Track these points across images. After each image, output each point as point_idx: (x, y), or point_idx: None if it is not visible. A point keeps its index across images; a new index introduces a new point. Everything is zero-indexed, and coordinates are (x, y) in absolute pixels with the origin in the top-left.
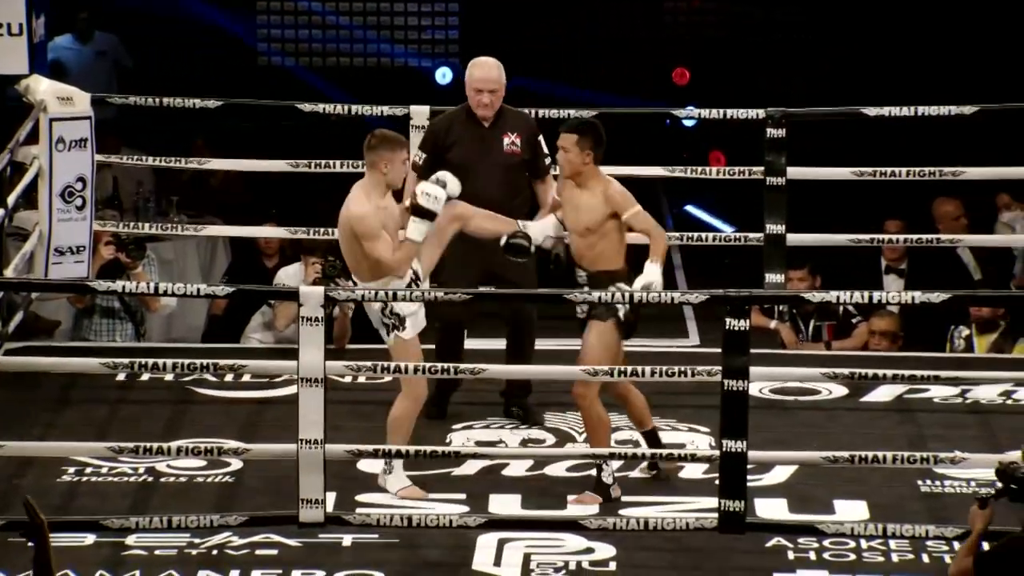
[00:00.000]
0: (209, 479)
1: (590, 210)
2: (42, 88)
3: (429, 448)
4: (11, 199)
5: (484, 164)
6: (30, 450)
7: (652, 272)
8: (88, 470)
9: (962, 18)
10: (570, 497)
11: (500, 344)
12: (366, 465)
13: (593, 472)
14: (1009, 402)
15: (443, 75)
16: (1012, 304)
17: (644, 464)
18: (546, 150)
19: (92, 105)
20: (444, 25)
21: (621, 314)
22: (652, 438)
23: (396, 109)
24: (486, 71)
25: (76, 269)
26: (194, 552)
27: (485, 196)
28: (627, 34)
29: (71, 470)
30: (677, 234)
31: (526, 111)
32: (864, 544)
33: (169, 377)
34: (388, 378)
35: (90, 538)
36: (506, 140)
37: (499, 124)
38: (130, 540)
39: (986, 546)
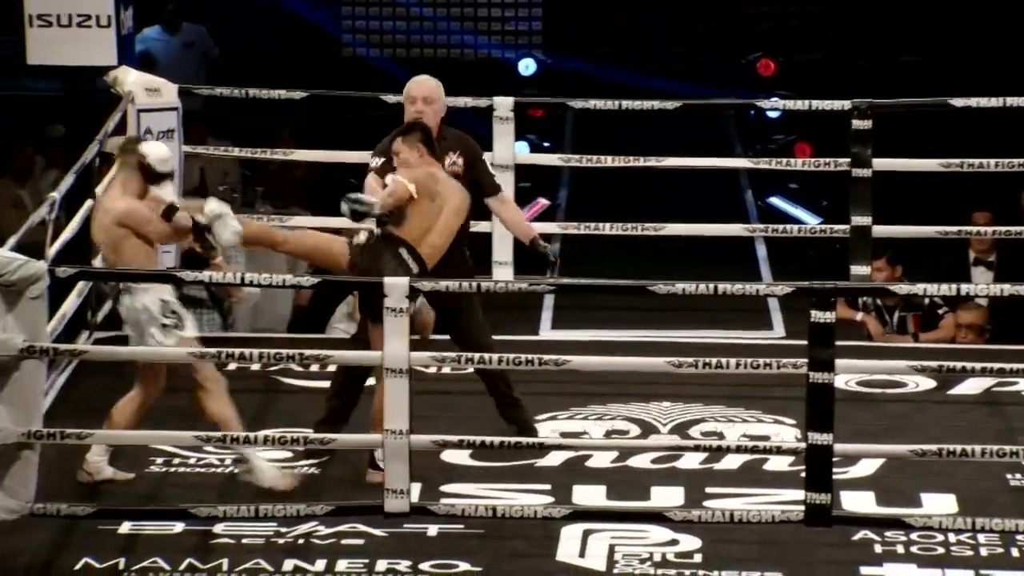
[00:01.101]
0: (295, 469)
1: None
2: (130, 79)
3: (513, 439)
4: (99, 189)
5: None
6: (119, 439)
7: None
8: (176, 460)
9: None
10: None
11: (582, 335)
12: (451, 455)
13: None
14: None
15: (526, 66)
16: None
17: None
18: (491, 170)
19: (179, 96)
20: (527, 16)
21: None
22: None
23: (479, 100)
24: (422, 83)
25: (164, 259)
26: (281, 541)
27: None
28: (712, 23)
29: (159, 460)
30: (762, 226)
31: (463, 133)
32: (952, 538)
33: (255, 367)
34: (472, 369)
35: (179, 526)
36: (447, 160)
37: (440, 145)
38: (218, 528)
39: None
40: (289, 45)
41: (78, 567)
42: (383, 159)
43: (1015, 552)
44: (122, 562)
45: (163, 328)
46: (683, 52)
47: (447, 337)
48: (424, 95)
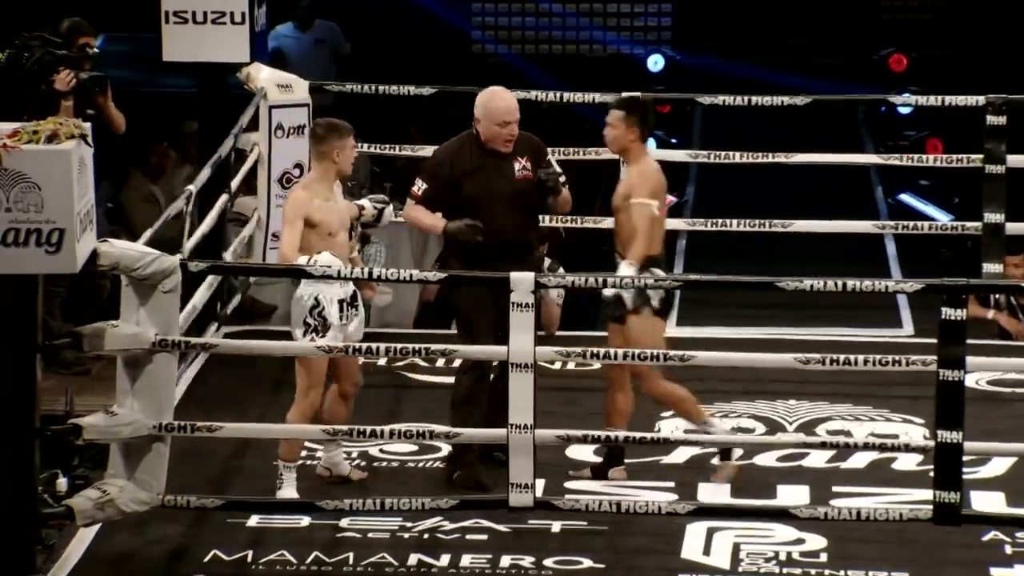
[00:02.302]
0: (421, 463)
1: (618, 190)
2: (262, 76)
3: (638, 434)
4: (233, 185)
5: (498, 194)
6: (248, 432)
7: (624, 270)
8: (303, 453)
9: None
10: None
11: (708, 331)
12: (575, 451)
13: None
14: None
15: (655, 62)
16: None
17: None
18: (557, 168)
19: (310, 92)
20: (657, 12)
21: (655, 302)
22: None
23: (608, 96)
24: (510, 102)
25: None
26: (406, 535)
27: (502, 226)
28: (842, 19)
29: None
30: (892, 223)
31: (529, 133)
32: None
33: (382, 362)
34: (597, 365)
35: (305, 520)
36: (517, 166)
37: (513, 151)
38: (344, 523)
39: None
40: (419, 41)
41: (207, 559)
42: (426, 186)
43: None
44: (250, 555)
45: (304, 325)
46: (813, 48)
47: (573, 333)
48: (517, 118)
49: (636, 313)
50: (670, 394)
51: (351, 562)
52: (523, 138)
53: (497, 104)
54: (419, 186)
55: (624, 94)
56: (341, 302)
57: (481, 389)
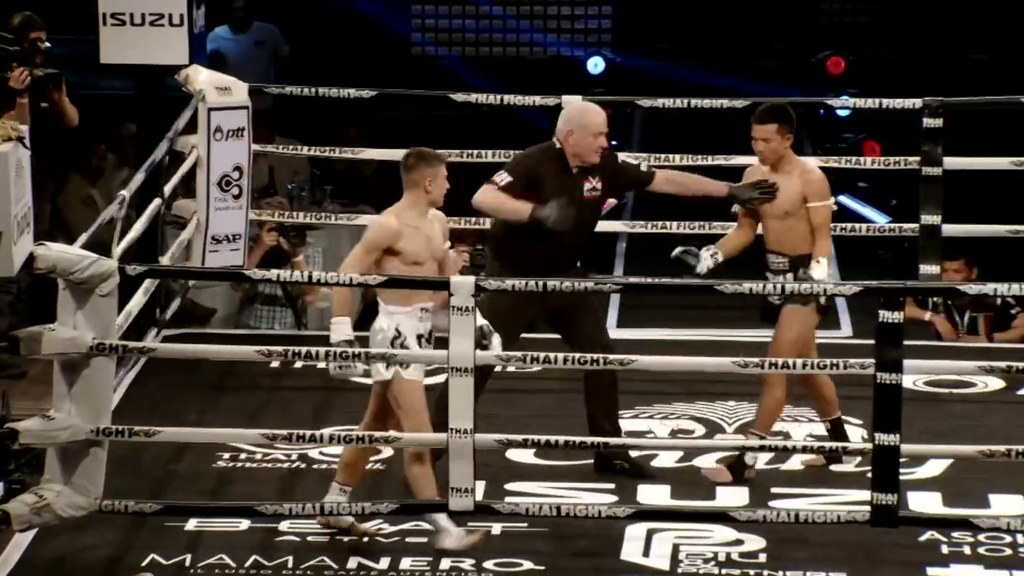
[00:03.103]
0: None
1: (788, 192)
2: (201, 78)
3: (578, 438)
4: (169, 187)
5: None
6: (186, 436)
7: (818, 270)
8: (242, 456)
9: None
10: (704, 468)
11: (648, 334)
12: (515, 454)
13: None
14: None
15: (595, 64)
16: None
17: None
18: (631, 160)
19: (249, 95)
20: (597, 15)
21: (822, 299)
22: (837, 428)
23: (548, 99)
24: (603, 115)
25: (232, 257)
26: (345, 539)
27: (563, 246)
28: (781, 22)
29: (226, 456)
30: (831, 224)
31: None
32: (1021, 539)
33: (322, 365)
34: (536, 368)
35: (244, 523)
36: (587, 186)
37: (581, 168)
38: (283, 526)
39: None
40: (359, 43)
41: (145, 563)
42: (512, 180)
43: None
44: (188, 559)
45: (385, 360)
46: (752, 51)
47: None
48: (608, 131)
49: (800, 306)
50: (826, 385)
51: (290, 565)
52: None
53: (593, 118)
54: (503, 178)
55: (765, 103)
56: (419, 337)
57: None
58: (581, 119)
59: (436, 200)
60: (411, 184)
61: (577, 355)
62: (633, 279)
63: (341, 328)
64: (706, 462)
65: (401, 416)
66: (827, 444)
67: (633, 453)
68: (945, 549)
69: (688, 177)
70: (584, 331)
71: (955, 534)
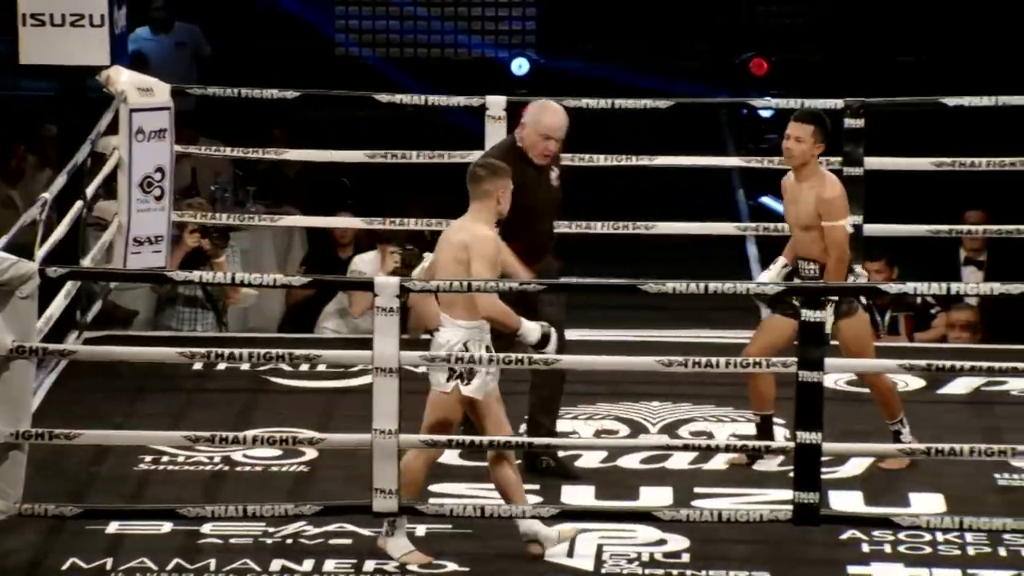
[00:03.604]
0: (284, 469)
1: (806, 206)
2: (122, 79)
3: (503, 439)
4: (91, 189)
5: (542, 204)
6: (107, 439)
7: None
8: (164, 459)
9: None
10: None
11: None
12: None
13: (664, 464)
14: None
15: (519, 66)
16: None
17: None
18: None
19: (172, 96)
20: (521, 16)
21: (864, 302)
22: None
23: (472, 100)
24: (560, 119)
25: (154, 259)
26: (269, 541)
27: (541, 237)
28: (706, 23)
29: (147, 459)
30: (754, 225)
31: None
32: (940, 537)
33: (245, 367)
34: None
35: (166, 526)
36: (552, 175)
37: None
38: (206, 528)
39: None
40: (282, 44)
41: (65, 567)
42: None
43: (1002, 551)
44: (109, 562)
45: (448, 371)
46: (678, 51)
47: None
48: (561, 137)
49: (849, 315)
50: (888, 386)
51: (213, 568)
52: None
53: (548, 120)
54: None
55: (806, 104)
56: (486, 348)
57: None
58: (536, 117)
59: (504, 212)
60: (483, 195)
61: (503, 355)
62: (557, 280)
63: (531, 329)
64: (630, 463)
65: (488, 425)
66: (750, 443)
67: (559, 454)
68: (866, 547)
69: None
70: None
71: (876, 532)
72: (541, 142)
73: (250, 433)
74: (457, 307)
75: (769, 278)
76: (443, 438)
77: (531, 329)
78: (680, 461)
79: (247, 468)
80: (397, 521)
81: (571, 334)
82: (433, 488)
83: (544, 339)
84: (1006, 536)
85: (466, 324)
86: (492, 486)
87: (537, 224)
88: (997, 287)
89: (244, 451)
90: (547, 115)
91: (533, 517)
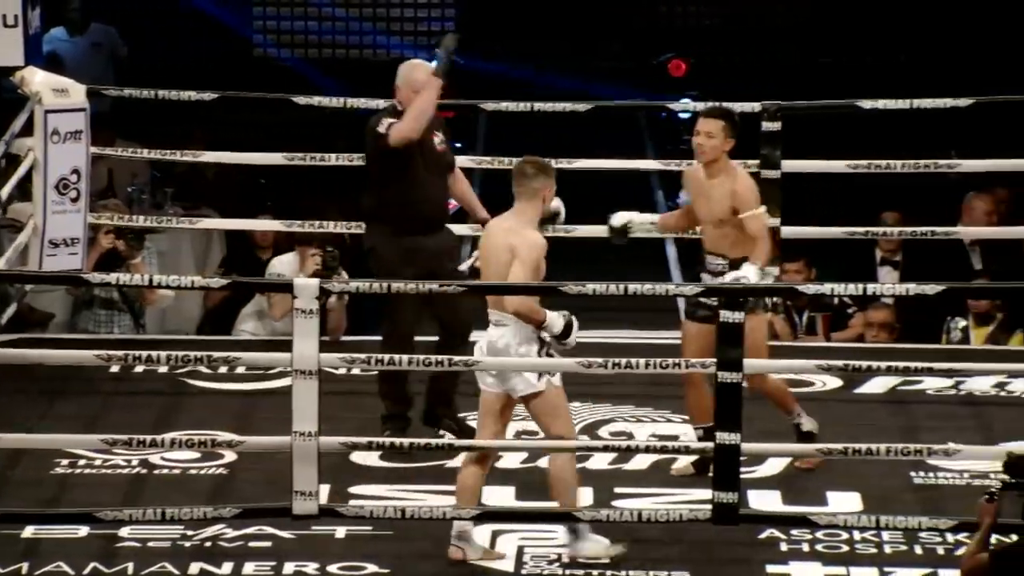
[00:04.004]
0: (203, 471)
1: (720, 202)
2: (37, 80)
3: (423, 440)
4: (5, 191)
5: (428, 167)
6: (23, 442)
7: (749, 269)
8: (81, 462)
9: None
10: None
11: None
12: (360, 457)
13: (585, 464)
14: (1003, 394)
15: None
16: (1006, 296)
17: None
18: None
19: (88, 97)
20: (440, 16)
21: (768, 301)
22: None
23: (392, 101)
24: (427, 73)
25: (70, 261)
26: (187, 544)
27: (430, 202)
28: (624, 24)
29: (64, 462)
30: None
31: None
32: (857, 536)
33: (163, 369)
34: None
35: (83, 530)
36: (436, 140)
37: (428, 126)
38: (123, 532)
39: (994, 540)
40: (199, 46)
41: None
42: None
43: (918, 550)
44: (25, 567)
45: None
46: (596, 52)
47: (357, 338)
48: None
49: (753, 312)
50: (779, 388)
51: (131, 572)
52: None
53: (417, 75)
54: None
55: (713, 103)
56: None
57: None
58: (408, 76)
59: (547, 212)
60: (532, 194)
61: (422, 357)
62: (476, 281)
63: (555, 320)
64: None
65: (550, 423)
66: (669, 444)
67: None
68: (784, 547)
69: (463, 184)
70: (450, 303)
71: (794, 532)
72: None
73: (168, 436)
74: (516, 307)
75: (621, 221)
76: (363, 440)
77: (555, 320)
78: (600, 462)
79: (165, 471)
80: (579, 527)
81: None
82: (353, 490)
83: (567, 328)
84: (922, 534)
85: (511, 327)
86: (414, 487)
87: (422, 189)
88: (912, 287)
89: (162, 454)
90: (418, 71)
91: (454, 519)
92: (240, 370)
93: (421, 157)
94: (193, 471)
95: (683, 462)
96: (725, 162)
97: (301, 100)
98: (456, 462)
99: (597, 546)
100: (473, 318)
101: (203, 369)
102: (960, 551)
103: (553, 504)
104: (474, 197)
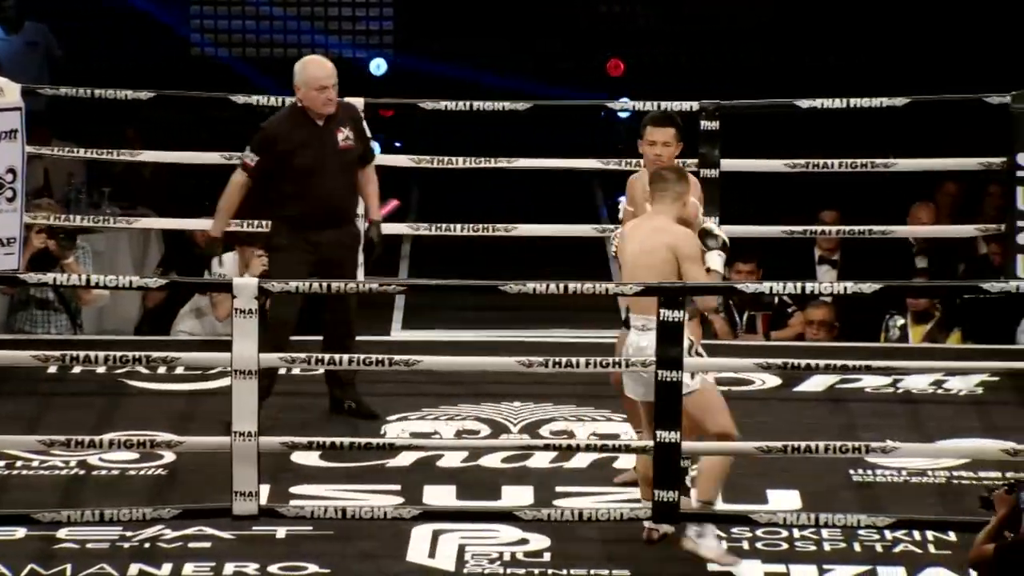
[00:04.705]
0: (142, 472)
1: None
2: None
3: (363, 440)
4: None
5: (327, 165)
6: None
7: (714, 260)
8: (19, 463)
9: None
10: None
11: (432, 335)
12: (300, 457)
13: (526, 463)
14: (939, 392)
15: (377, 66)
16: (942, 295)
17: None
18: (369, 134)
19: (23, 96)
20: (379, 16)
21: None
22: None
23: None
24: (326, 67)
25: (6, 261)
26: (126, 545)
27: (332, 197)
28: (562, 24)
29: (1, 463)
30: (612, 226)
31: (348, 100)
32: (796, 533)
33: (101, 370)
34: (321, 370)
35: (21, 532)
36: (340, 135)
37: (332, 120)
38: (62, 533)
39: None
40: (136, 44)
41: None
42: (259, 158)
43: (857, 547)
44: None
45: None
46: (534, 53)
47: (298, 338)
48: (335, 82)
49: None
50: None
51: (69, 573)
52: (346, 107)
53: (313, 72)
54: (251, 158)
55: (663, 107)
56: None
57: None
58: (303, 75)
59: (686, 216)
60: (675, 197)
61: (362, 356)
62: (417, 280)
63: (715, 258)
64: (492, 462)
65: (709, 420)
66: (610, 443)
67: (421, 455)
68: (725, 545)
69: (370, 185)
70: (341, 303)
71: (734, 529)
72: (319, 94)
73: (107, 436)
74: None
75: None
76: (303, 440)
77: (715, 258)
78: (541, 460)
79: (104, 472)
80: (705, 524)
81: (432, 335)
82: (293, 490)
83: (724, 246)
84: (860, 532)
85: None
86: (355, 487)
87: (323, 185)
88: (850, 286)
89: (101, 455)
90: (312, 67)
91: (395, 519)
92: (179, 370)
93: (319, 152)
94: (132, 472)
95: (627, 476)
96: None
97: (239, 99)
98: (397, 462)
99: (717, 550)
100: (357, 318)
101: (141, 369)
102: (898, 548)
103: (494, 504)
104: (373, 197)
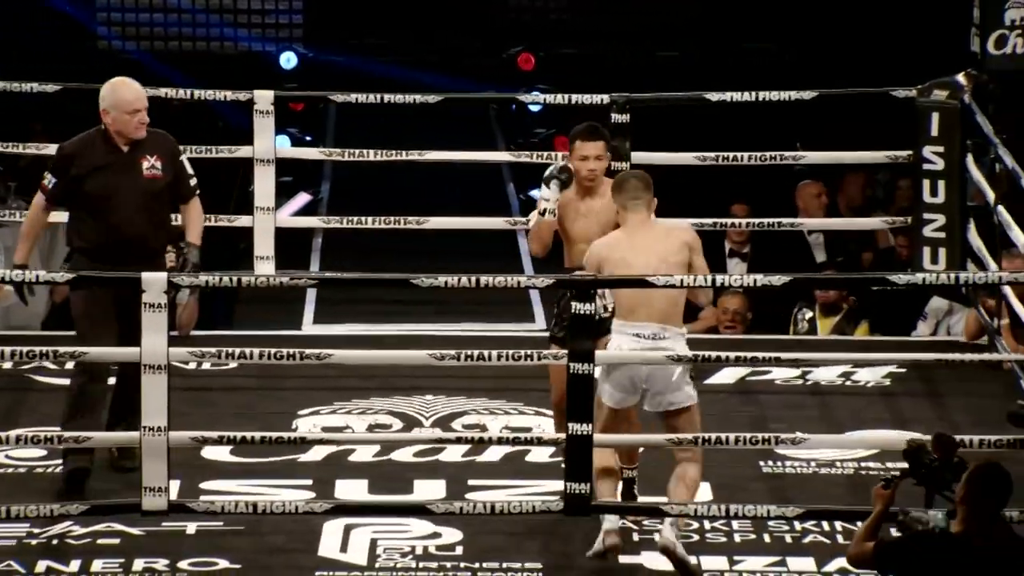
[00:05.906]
0: (49, 468)
1: (606, 216)
2: None
3: (275, 434)
4: None
5: (124, 192)
6: None
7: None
8: None
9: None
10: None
11: (344, 329)
12: (210, 452)
13: (438, 457)
14: (848, 383)
15: (287, 60)
16: (850, 287)
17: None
18: (190, 171)
19: None
20: (288, 9)
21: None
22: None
23: (240, 94)
24: (137, 90)
25: None
26: (34, 542)
27: (129, 228)
28: (474, 17)
29: None
30: (524, 219)
31: (164, 132)
32: (707, 525)
33: (7, 365)
34: (233, 365)
35: None
36: (146, 164)
37: (138, 147)
38: None
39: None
40: (41, 37)
41: None
42: (56, 180)
43: (767, 538)
44: None
45: (690, 380)
46: (445, 46)
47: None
48: (146, 106)
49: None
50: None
51: None
52: (157, 136)
53: (124, 95)
54: (49, 180)
55: (574, 100)
56: None
57: (94, 391)
58: (113, 98)
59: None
60: (652, 204)
61: (273, 350)
62: (328, 273)
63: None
64: (404, 456)
65: (696, 431)
66: (522, 435)
67: (333, 449)
68: (636, 536)
69: (192, 218)
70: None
71: (646, 521)
72: (131, 118)
73: (13, 433)
74: (678, 316)
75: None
76: (213, 434)
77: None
78: (454, 454)
79: (10, 469)
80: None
81: (344, 329)
82: (204, 485)
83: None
84: (770, 523)
85: (682, 331)
86: (266, 481)
87: (121, 215)
88: (760, 278)
89: (7, 451)
90: (122, 90)
91: (307, 513)
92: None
93: (114, 179)
94: (39, 468)
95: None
96: (603, 178)
97: (150, 92)
98: (309, 456)
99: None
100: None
101: (49, 365)
102: (807, 539)
103: (406, 498)
104: (194, 224)
